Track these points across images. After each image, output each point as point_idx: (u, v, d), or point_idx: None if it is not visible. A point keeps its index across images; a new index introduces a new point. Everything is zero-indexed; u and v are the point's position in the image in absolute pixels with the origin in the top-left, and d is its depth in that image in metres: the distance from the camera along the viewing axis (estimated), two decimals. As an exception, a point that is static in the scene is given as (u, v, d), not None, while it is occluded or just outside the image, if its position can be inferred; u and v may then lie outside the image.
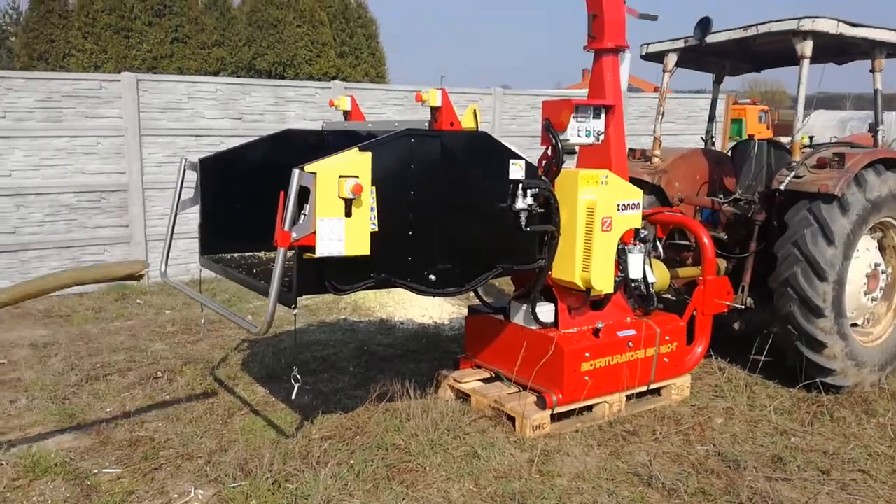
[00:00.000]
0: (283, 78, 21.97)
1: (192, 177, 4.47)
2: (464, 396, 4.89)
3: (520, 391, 4.68)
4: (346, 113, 4.64)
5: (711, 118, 6.79)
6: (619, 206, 4.34)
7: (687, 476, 3.94)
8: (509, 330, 4.76)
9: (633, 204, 4.47)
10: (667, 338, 4.87)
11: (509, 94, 10.81)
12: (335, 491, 3.74)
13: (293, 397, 3.59)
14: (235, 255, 4.35)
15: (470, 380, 4.93)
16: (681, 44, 5.93)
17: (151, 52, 22.24)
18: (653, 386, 4.91)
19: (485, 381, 4.96)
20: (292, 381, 3.53)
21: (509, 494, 3.70)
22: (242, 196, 4.11)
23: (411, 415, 4.54)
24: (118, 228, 8.42)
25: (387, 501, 3.66)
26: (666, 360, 4.89)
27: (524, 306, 4.63)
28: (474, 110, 4.08)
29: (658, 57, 6.16)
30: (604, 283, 4.33)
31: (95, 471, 4.02)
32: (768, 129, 30.47)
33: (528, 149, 4.57)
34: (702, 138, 6.90)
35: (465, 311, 7.56)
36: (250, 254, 4.30)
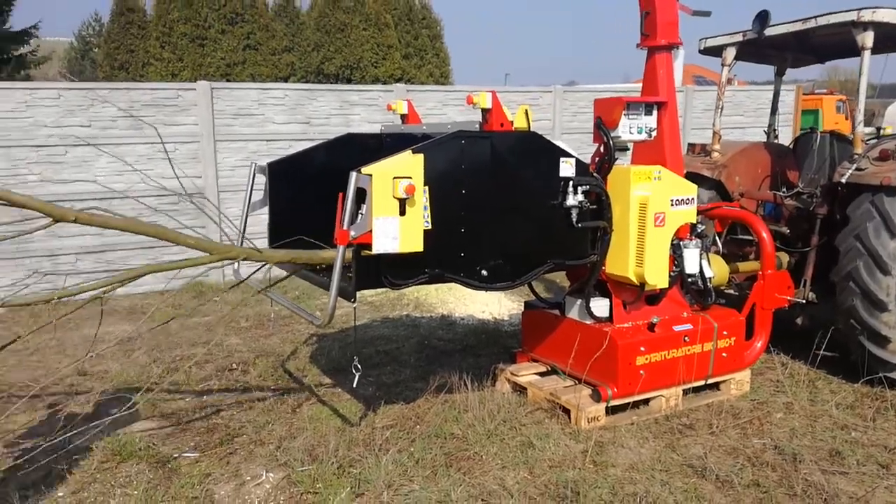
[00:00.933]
0: (349, 81, 22.46)
1: (261, 180, 4.77)
2: (520, 389, 5.01)
3: (575, 384, 4.77)
4: (403, 116, 4.84)
5: (774, 111, 6.69)
6: (672, 201, 4.39)
7: (741, 468, 3.96)
8: (564, 325, 4.86)
9: (688, 199, 4.50)
10: (724, 332, 4.87)
11: (570, 90, 10.83)
12: (396, 476, 3.93)
13: (355, 386, 3.79)
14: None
15: (526, 373, 5.05)
16: (739, 37, 5.89)
17: (225, 59, 23.05)
18: (711, 380, 4.92)
19: (541, 374, 5.07)
20: (353, 371, 3.72)
21: (563, 483, 3.81)
22: (307, 197, 4.34)
23: (469, 406, 4.70)
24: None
25: (445, 487, 3.82)
26: (724, 354, 4.89)
27: (579, 301, 4.72)
28: (525, 110, 4.20)
29: (716, 51, 6.13)
30: (657, 277, 4.38)
31: (176, 454, 4.33)
32: (847, 119, 29.25)
33: (589, 145, 4.64)
34: (764, 131, 6.81)
35: (523, 308, 7.70)
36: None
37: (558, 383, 4.83)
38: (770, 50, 6.19)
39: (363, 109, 9.67)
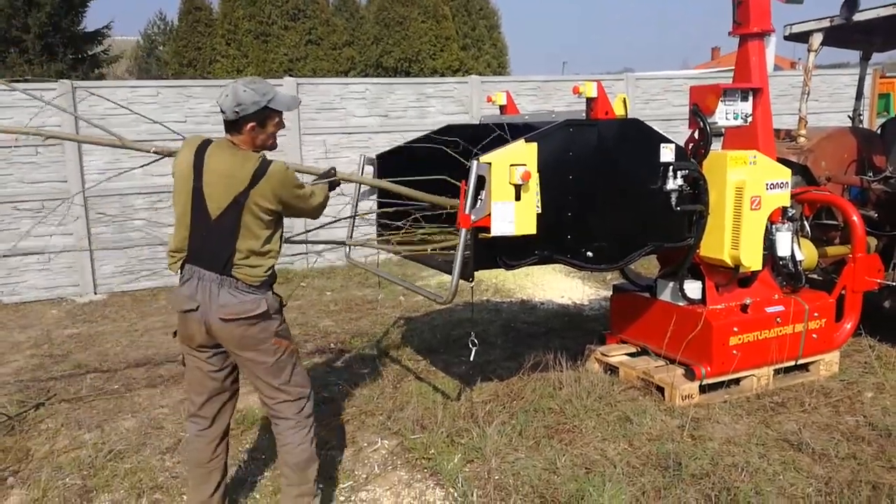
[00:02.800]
0: (408, 74, 22.79)
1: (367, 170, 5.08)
2: (611, 369, 5.20)
3: (667, 364, 4.94)
4: (501, 107, 5.06)
5: (859, 96, 6.68)
6: (767, 185, 4.51)
7: (837, 443, 4.09)
8: (656, 306, 5.03)
9: (782, 183, 4.61)
10: (815, 314, 4.97)
11: (642, 78, 10.89)
12: (501, 446, 4.18)
13: (471, 358, 4.04)
14: (407, 236, 4.87)
15: (617, 353, 5.24)
16: (826, 23, 5.92)
17: (287, 54, 23.59)
18: (801, 361, 5.02)
19: (631, 354, 5.26)
20: (470, 346, 3.98)
21: (663, 454, 4.00)
22: (412, 185, 4.60)
23: (563, 383, 4.92)
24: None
25: (549, 456, 4.06)
26: (814, 336, 4.99)
27: (671, 283, 4.88)
28: (623, 99, 4.37)
29: (803, 37, 6.16)
30: (752, 260, 4.52)
31: (293, 424, 4.67)
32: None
33: (662, 132, 4.79)
34: (849, 116, 6.80)
35: (603, 293, 7.87)
36: (417, 234, 4.79)
37: (650, 363, 5.01)
38: (857, 35, 6.19)
39: (438, 101, 9.93)
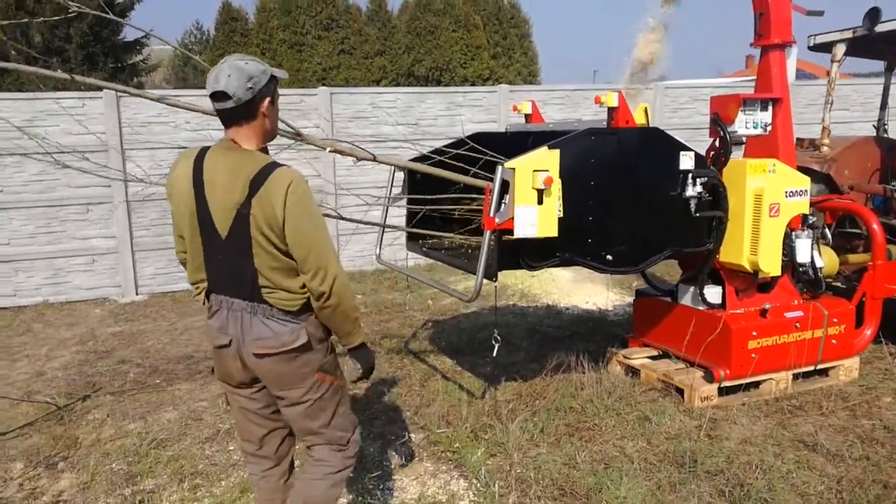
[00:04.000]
0: (439, 83, 23.07)
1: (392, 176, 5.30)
2: (633, 371, 5.34)
3: (687, 367, 5.06)
4: (527, 116, 5.26)
5: (884, 106, 6.74)
6: (786, 192, 4.63)
7: (851, 445, 4.18)
8: (677, 311, 5.16)
9: (801, 191, 4.73)
10: (835, 320, 5.05)
11: (671, 87, 10.98)
12: (523, 441, 4.35)
13: (494, 355, 4.22)
14: (434, 240, 5.08)
15: (639, 356, 5.37)
16: (849, 34, 6.01)
17: (321, 63, 24.00)
18: (820, 366, 5.11)
19: (652, 357, 5.39)
20: (493, 342, 4.16)
21: (680, 452, 4.14)
22: (440, 189, 4.80)
23: (585, 384, 5.07)
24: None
25: (569, 452, 4.22)
26: (834, 341, 5.07)
27: (692, 288, 5.01)
28: (645, 108, 4.54)
29: (826, 48, 6.25)
30: (771, 265, 4.63)
31: (325, 418, 4.89)
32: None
33: (689, 140, 4.92)
34: (873, 126, 6.86)
35: (627, 299, 7.98)
36: (447, 238, 5.00)
37: (671, 365, 5.13)
38: (881, 45, 6.26)
39: (467, 110, 10.14)
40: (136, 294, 8.91)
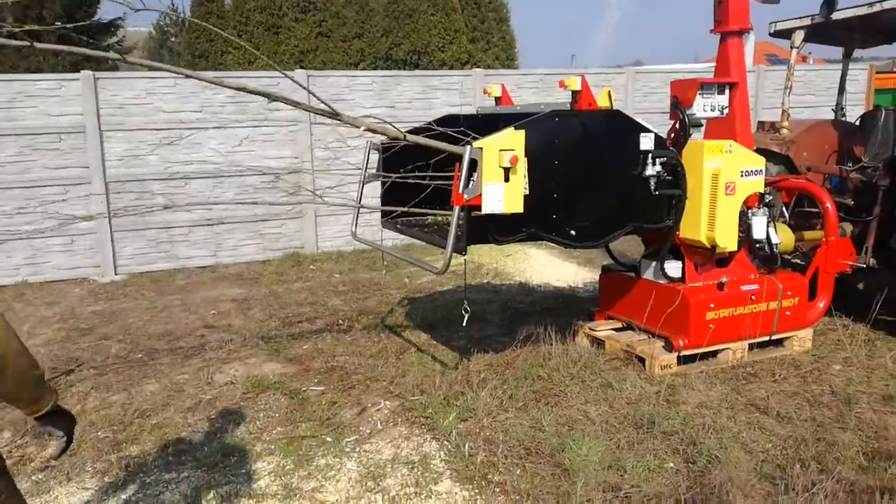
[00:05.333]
0: (417, 66, 23.12)
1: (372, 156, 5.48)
2: (598, 342, 5.59)
3: (649, 338, 5.33)
4: (497, 98, 5.46)
5: (841, 90, 7.02)
6: (742, 172, 4.88)
7: (800, 408, 4.48)
8: (640, 285, 5.42)
9: (756, 171, 4.98)
10: (789, 293, 5.34)
11: (642, 72, 11.24)
12: (493, 407, 4.58)
13: (464, 324, 4.45)
14: (408, 218, 5.27)
15: (604, 328, 5.63)
16: (807, 21, 6.27)
17: (298, 46, 23.90)
18: (775, 337, 5.40)
19: (617, 329, 5.65)
20: (463, 312, 4.38)
21: (640, 416, 4.40)
22: (414, 170, 4.99)
23: (553, 355, 5.32)
24: (292, 205, 9.73)
25: (535, 416, 4.46)
26: (788, 313, 5.36)
27: (654, 263, 5.26)
28: (608, 92, 4.75)
29: (786, 34, 6.51)
30: (727, 241, 4.89)
31: (304, 388, 5.09)
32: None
33: (659, 124, 5.14)
34: (832, 110, 7.15)
35: (596, 276, 8.25)
36: (418, 217, 5.20)
37: (633, 337, 5.40)
38: (839, 32, 6.53)
39: (443, 94, 10.31)
40: (115, 274, 9.02)
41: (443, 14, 24.41)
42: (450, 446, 4.13)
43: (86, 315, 7.31)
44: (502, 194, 3.89)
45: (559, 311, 6.87)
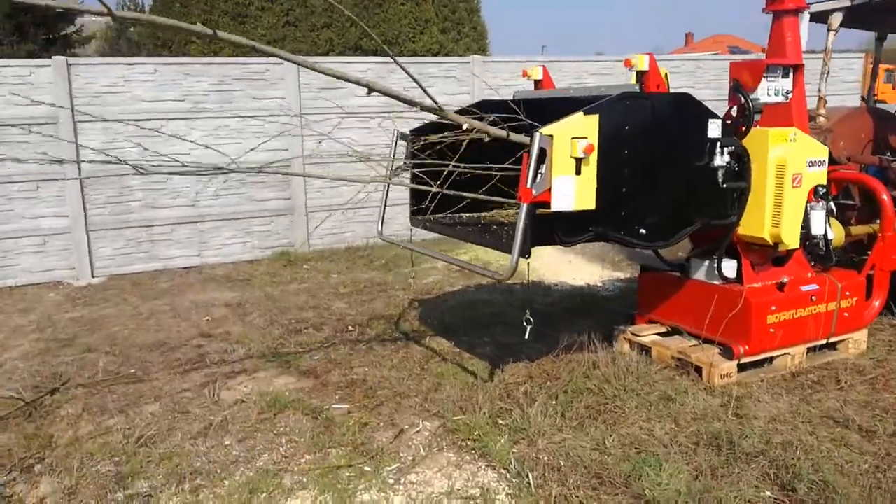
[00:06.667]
0: (386, 56, 22.46)
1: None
2: (642, 349, 5.15)
3: (700, 343, 4.91)
4: (537, 82, 4.96)
5: (874, 76, 6.71)
6: (808, 162, 4.48)
7: (881, 420, 4.10)
8: (689, 286, 4.99)
9: (821, 161, 4.59)
10: (847, 293, 4.97)
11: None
12: (546, 427, 4.11)
13: (526, 337, 3.97)
14: (440, 215, 4.74)
15: (648, 333, 5.19)
16: (847, 2, 5.90)
17: (265, 35, 23.03)
18: (833, 340, 5.03)
19: (662, 334, 5.21)
20: (524, 324, 3.90)
21: (712, 433, 3.97)
22: (444, 160, 4.46)
23: (597, 364, 4.87)
24: (282, 201, 9.12)
25: (595, 436, 4.00)
26: (846, 314, 5.00)
27: (706, 262, 4.84)
28: (665, 74, 4.30)
29: (822, 17, 6.13)
30: (792, 238, 4.50)
31: (326, 406, 4.55)
32: (894, 88, 28.85)
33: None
34: (862, 97, 6.83)
35: (615, 274, 7.85)
36: (452, 214, 4.68)
37: (684, 342, 4.97)
38: (878, 15, 6.18)
39: (440, 81, 9.79)
40: (93, 276, 8.31)
41: (413, 4, 23.79)
42: (510, 476, 3.65)
43: (64, 323, 6.63)
44: (573, 189, 3.41)
45: (584, 312, 6.42)
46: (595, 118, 3.47)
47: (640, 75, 3.91)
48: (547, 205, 3.43)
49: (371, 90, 3.21)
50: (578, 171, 3.43)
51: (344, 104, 9.20)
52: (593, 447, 3.90)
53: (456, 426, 4.17)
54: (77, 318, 6.79)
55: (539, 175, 3.39)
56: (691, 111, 3.99)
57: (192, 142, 5.48)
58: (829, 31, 6.15)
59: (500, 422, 4.22)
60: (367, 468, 3.82)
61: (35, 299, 7.53)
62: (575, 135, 3.41)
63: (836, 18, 6.05)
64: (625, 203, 3.77)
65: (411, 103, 3.41)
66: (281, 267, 8.62)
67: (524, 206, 3.35)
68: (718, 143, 4.10)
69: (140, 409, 4.66)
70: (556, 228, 3.60)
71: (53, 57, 7.89)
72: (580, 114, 3.49)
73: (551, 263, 8.18)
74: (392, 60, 9.14)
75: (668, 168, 3.92)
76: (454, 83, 9.77)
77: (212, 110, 8.58)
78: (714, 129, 4.06)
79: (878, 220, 5.28)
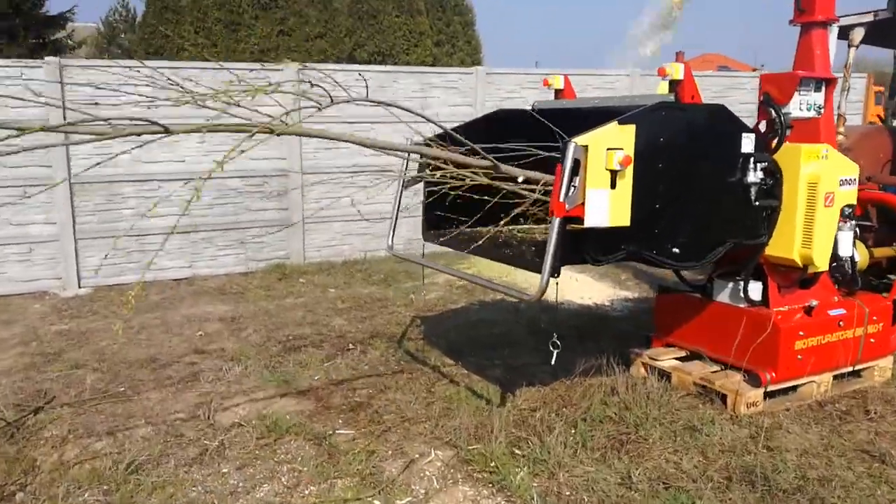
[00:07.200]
0: (386, 64, 22.34)
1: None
2: (660, 374, 4.90)
3: (723, 369, 4.68)
4: (557, 91, 4.74)
5: (893, 94, 6.55)
6: (841, 181, 4.28)
7: (921, 455, 3.88)
8: (712, 308, 4.76)
9: (852, 180, 4.39)
10: (874, 317, 4.77)
11: (646, 74, 10.67)
12: (566, 458, 3.85)
13: (552, 362, 3.73)
14: (450, 230, 4.49)
15: (666, 357, 4.95)
16: (870, 17, 5.74)
17: (258, 45, 22.84)
18: (858, 367, 4.82)
19: (681, 359, 4.98)
20: (551, 348, 3.66)
21: (743, 467, 3.73)
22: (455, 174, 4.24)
23: (615, 389, 4.63)
24: (278, 212, 8.85)
25: (619, 469, 3.75)
26: (872, 340, 4.79)
27: (730, 284, 4.62)
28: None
29: (843, 32, 5.97)
30: (823, 260, 4.29)
31: (329, 432, 4.28)
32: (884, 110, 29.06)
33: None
34: (878, 116, 6.67)
35: (622, 293, 7.63)
36: (470, 229, 4.43)
37: (705, 368, 4.74)
38: (899, 31, 6.04)
39: (442, 92, 9.58)
40: (80, 287, 7.98)
41: (408, 16, 23.71)
42: (533, 512, 3.39)
43: (50, 336, 6.31)
44: (607, 203, 3.17)
45: (594, 333, 6.18)
46: (631, 128, 3.25)
47: (674, 84, 3.69)
48: (576, 220, 3.19)
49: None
50: (613, 185, 3.20)
51: (341, 112, 8.97)
52: (618, 482, 3.65)
53: (471, 456, 3.90)
54: (63, 332, 6.47)
55: (572, 188, 3.15)
56: (726, 124, 3.78)
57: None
58: (849, 46, 5.99)
59: (517, 451, 3.96)
60: (377, 502, 3.55)
61: (19, 311, 7.20)
62: (610, 145, 3.18)
63: (858, 34, 5.89)
64: (658, 220, 3.54)
65: (464, 164, 3.23)
66: (275, 280, 8.33)
67: (556, 222, 3.11)
68: (752, 159, 3.88)
69: (130, 431, 4.37)
70: (586, 246, 3.36)
71: (46, 58, 7.60)
72: (614, 123, 3.26)
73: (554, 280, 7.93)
74: (394, 70, 8.90)
75: (701, 183, 3.71)
76: (456, 94, 9.56)
77: (206, 115, 8.28)
78: (748, 144, 3.86)
79: (902, 243, 5.11)
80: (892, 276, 5.55)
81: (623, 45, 6.53)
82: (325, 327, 6.46)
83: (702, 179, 3.71)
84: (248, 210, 8.68)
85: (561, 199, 3.10)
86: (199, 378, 5.24)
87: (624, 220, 3.28)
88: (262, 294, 7.74)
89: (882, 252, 5.44)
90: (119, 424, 4.47)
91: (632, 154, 3.24)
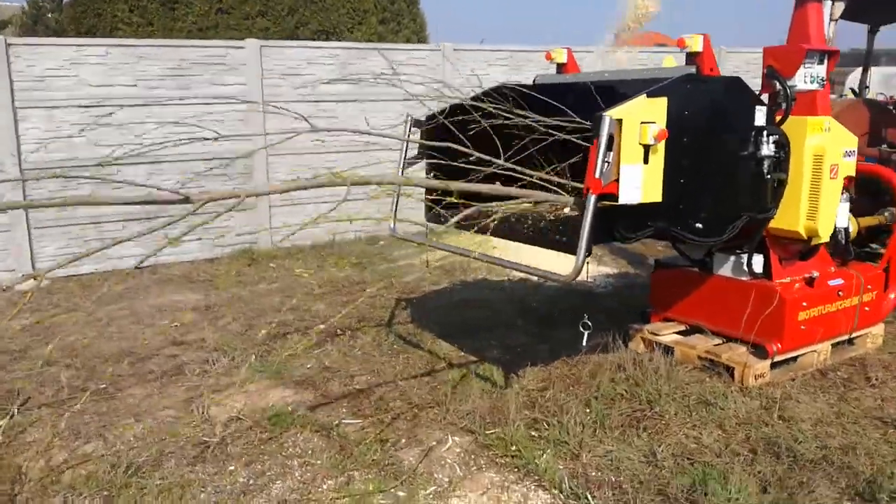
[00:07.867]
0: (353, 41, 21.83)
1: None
2: (662, 348, 4.88)
3: (726, 342, 4.69)
4: (560, 65, 4.61)
5: (866, 69, 6.66)
6: (844, 152, 4.30)
7: (929, 419, 3.96)
8: (712, 282, 4.75)
9: (852, 152, 4.42)
10: (868, 286, 4.85)
11: (611, 51, 10.64)
12: (586, 437, 3.79)
13: (584, 343, 3.63)
14: (455, 211, 4.33)
15: (667, 332, 4.94)
16: (849, -9, 5.79)
17: (196, 23, 21.89)
18: (854, 335, 4.90)
19: (682, 333, 4.97)
20: (581, 329, 3.56)
21: (764, 439, 3.74)
22: (463, 146, 4.08)
23: (624, 366, 4.58)
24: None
25: (640, 446, 3.71)
26: (867, 308, 4.87)
27: (732, 258, 4.61)
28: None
29: (821, 5, 6.02)
30: (827, 231, 4.32)
31: (336, 423, 4.11)
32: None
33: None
34: (852, 89, 6.79)
35: (603, 269, 7.61)
36: (475, 207, 4.27)
37: (708, 341, 4.74)
38: (873, 6, 6.12)
39: (408, 69, 9.33)
40: (35, 279, 7.50)
41: (351, -7, 23.19)
42: (564, 496, 3.30)
43: (12, 332, 5.90)
44: (640, 179, 3.08)
45: (581, 310, 6.07)
46: (663, 101, 3.15)
47: (692, 57, 3.61)
48: (608, 197, 3.08)
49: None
50: (646, 160, 3.10)
51: (311, 90, 8.68)
52: (642, 459, 3.60)
53: (490, 441, 3.79)
54: (26, 327, 6.06)
55: (606, 164, 3.03)
56: (742, 96, 3.73)
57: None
58: (830, 20, 6.03)
59: (535, 434, 3.88)
60: (400, 493, 3.41)
61: (-29, 306, 6.73)
62: (644, 119, 3.07)
63: (838, 8, 5.87)
64: (682, 195, 3.47)
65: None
66: (244, 266, 8.03)
67: (591, 199, 2.99)
68: (765, 132, 3.85)
69: (120, 431, 4.10)
70: (617, 224, 3.27)
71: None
72: (642, 97, 3.16)
73: (529, 257, 7.87)
74: (362, 47, 8.61)
75: (720, 157, 3.65)
76: (425, 70, 9.34)
77: (167, 97, 7.89)
78: (760, 117, 3.82)
79: (886, 212, 5.20)
80: (874, 245, 5.64)
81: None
82: (305, 313, 6.23)
83: (720, 153, 3.66)
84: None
85: (597, 176, 2.98)
86: (183, 371, 4.97)
87: (656, 195, 3.20)
88: (233, 281, 7.43)
89: (866, 222, 5.53)
90: (106, 424, 4.20)
91: (664, 127, 3.14)
